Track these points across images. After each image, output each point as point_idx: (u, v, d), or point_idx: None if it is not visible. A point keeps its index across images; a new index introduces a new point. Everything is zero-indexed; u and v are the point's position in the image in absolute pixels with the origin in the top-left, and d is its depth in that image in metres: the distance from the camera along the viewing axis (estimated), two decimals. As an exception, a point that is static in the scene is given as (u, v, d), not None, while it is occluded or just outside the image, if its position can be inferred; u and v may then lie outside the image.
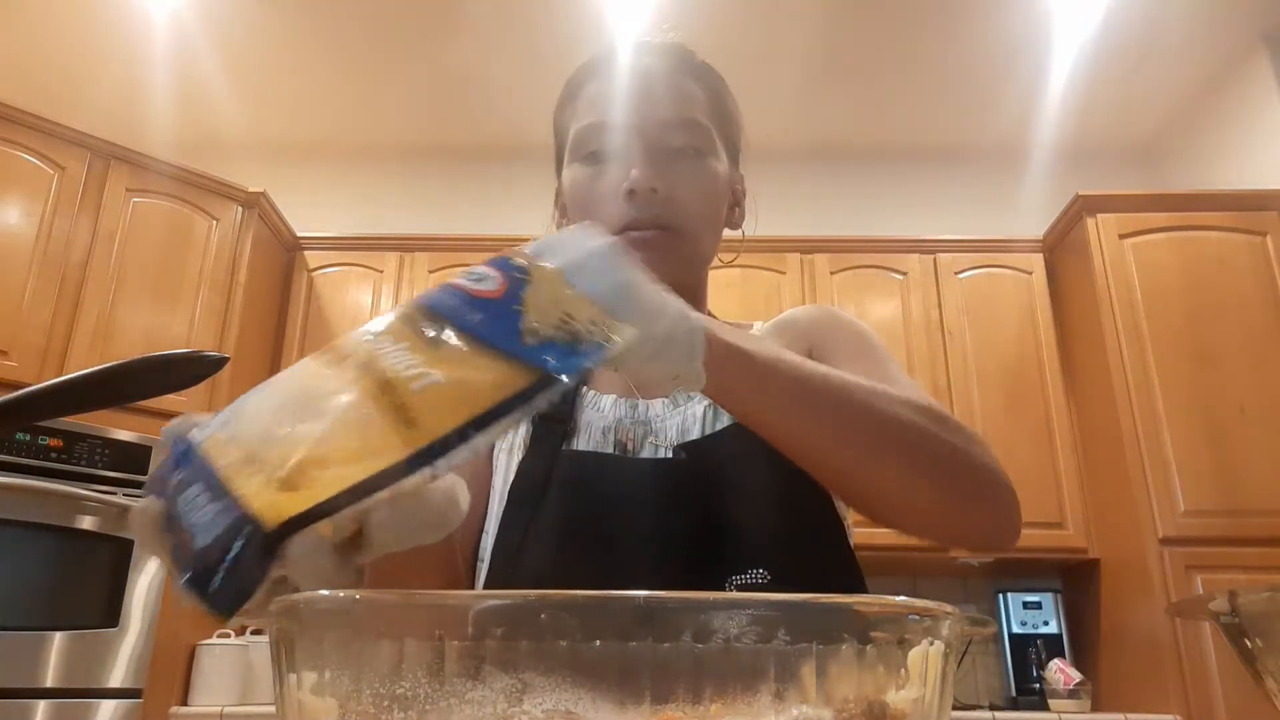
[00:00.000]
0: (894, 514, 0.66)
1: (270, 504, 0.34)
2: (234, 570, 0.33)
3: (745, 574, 0.69)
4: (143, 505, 0.37)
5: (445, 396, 0.38)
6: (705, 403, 0.80)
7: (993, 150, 3.62)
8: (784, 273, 3.17)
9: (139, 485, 2.51)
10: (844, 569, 0.75)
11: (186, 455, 0.39)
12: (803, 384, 0.60)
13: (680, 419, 0.79)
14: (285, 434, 0.37)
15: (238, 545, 0.33)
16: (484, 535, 0.80)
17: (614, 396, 0.82)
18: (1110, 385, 2.80)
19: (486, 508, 0.81)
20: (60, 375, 0.50)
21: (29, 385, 0.49)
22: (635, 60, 0.83)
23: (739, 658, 0.28)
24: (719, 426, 0.78)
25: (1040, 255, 3.20)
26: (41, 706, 2.25)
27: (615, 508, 0.73)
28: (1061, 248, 3.15)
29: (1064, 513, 2.91)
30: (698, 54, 0.86)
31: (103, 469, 2.47)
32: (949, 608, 0.32)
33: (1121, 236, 2.94)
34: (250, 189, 3.01)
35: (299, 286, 3.22)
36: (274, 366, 3.11)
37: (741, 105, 0.89)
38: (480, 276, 0.46)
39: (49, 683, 2.27)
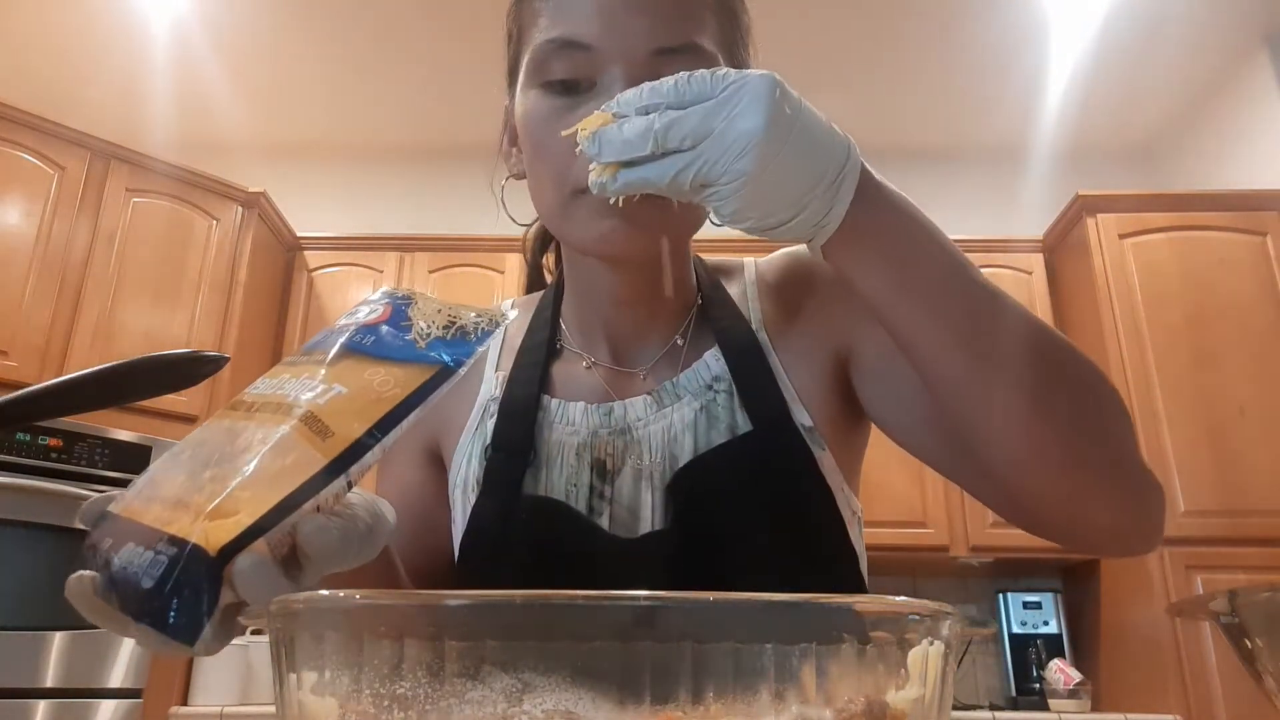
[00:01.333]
0: (1010, 482, 0.55)
1: (206, 533, 0.35)
2: (186, 598, 0.34)
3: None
4: (75, 578, 0.37)
5: (352, 403, 0.41)
6: (695, 406, 0.68)
7: (993, 150, 3.62)
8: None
9: (139, 485, 2.51)
10: (840, 562, 0.69)
11: (109, 524, 0.39)
12: (937, 279, 0.52)
13: (666, 425, 0.68)
14: (208, 476, 0.38)
15: (185, 574, 0.34)
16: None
17: (583, 404, 0.70)
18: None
19: (441, 548, 0.74)
20: (60, 375, 0.50)
21: (29, 385, 0.49)
22: None
23: (739, 658, 0.28)
24: (713, 440, 0.67)
25: (1040, 255, 3.20)
26: (41, 706, 2.25)
27: (588, 572, 0.63)
28: (1061, 248, 3.15)
29: (1064, 513, 2.90)
30: None
31: (103, 469, 2.47)
32: (949, 608, 0.32)
33: (1121, 236, 2.94)
34: (250, 189, 3.01)
35: (299, 286, 3.22)
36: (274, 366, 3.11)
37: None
38: (365, 311, 0.48)
39: (49, 683, 2.27)
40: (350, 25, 3.12)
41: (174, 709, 2.48)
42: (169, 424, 2.61)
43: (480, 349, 0.45)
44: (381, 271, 3.23)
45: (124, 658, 2.39)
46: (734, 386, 0.69)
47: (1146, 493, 0.55)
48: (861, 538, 0.73)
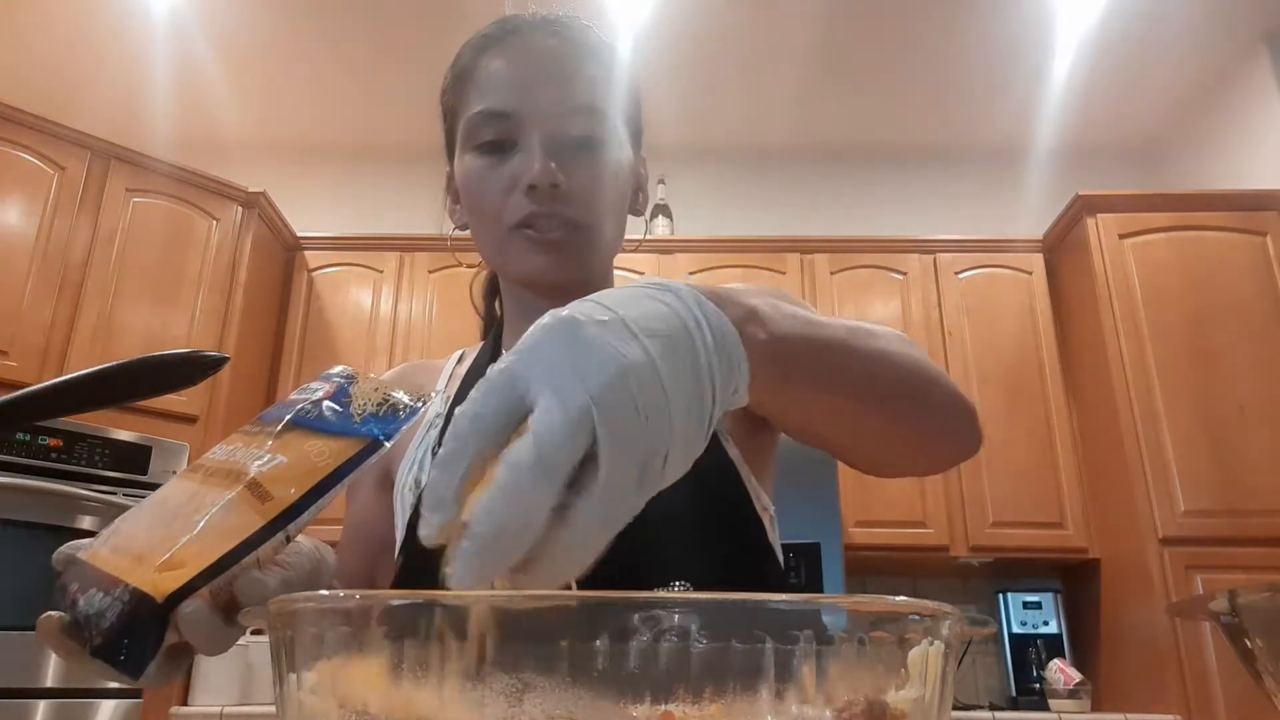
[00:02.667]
0: (875, 456, 0.64)
1: (155, 583, 0.41)
2: (134, 637, 0.41)
3: (668, 587, 0.67)
4: (44, 617, 0.43)
5: (290, 471, 0.46)
6: None
7: (993, 150, 3.62)
8: (784, 273, 3.17)
9: (139, 485, 2.51)
10: (765, 571, 0.73)
11: (78, 570, 0.45)
12: (817, 356, 0.54)
13: None
14: (161, 533, 0.44)
15: (134, 618, 0.40)
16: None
17: None
18: (1110, 385, 2.80)
19: (392, 556, 0.79)
20: (60, 375, 0.50)
21: (29, 385, 0.49)
22: (528, 39, 0.77)
23: (739, 658, 0.28)
24: None
25: (1040, 255, 3.20)
26: (41, 706, 2.25)
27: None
28: (1061, 248, 3.15)
29: (1064, 513, 2.91)
30: (594, 28, 0.81)
31: (103, 469, 2.47)
32: (949, 608, 0.32)
33: (1121, 236, 2.94)
34: (250, 189, 3.01)
35: (299, 286, 3.22)
36: (274, 366, 3.11)
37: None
38: (314, 389, 0.53)
39: (49, 683, 2.27)
40: (350, 25, 3.12)
41: (174, 709, 2.48)
42: (169, 424, 2.61)
43: (407, 425, 0.50)
44: (381, 271, 3.23)
45: (124, 658, 2.39)
46: None
47: (967, 423, 0.64)
48: (777, 539, 0.77)
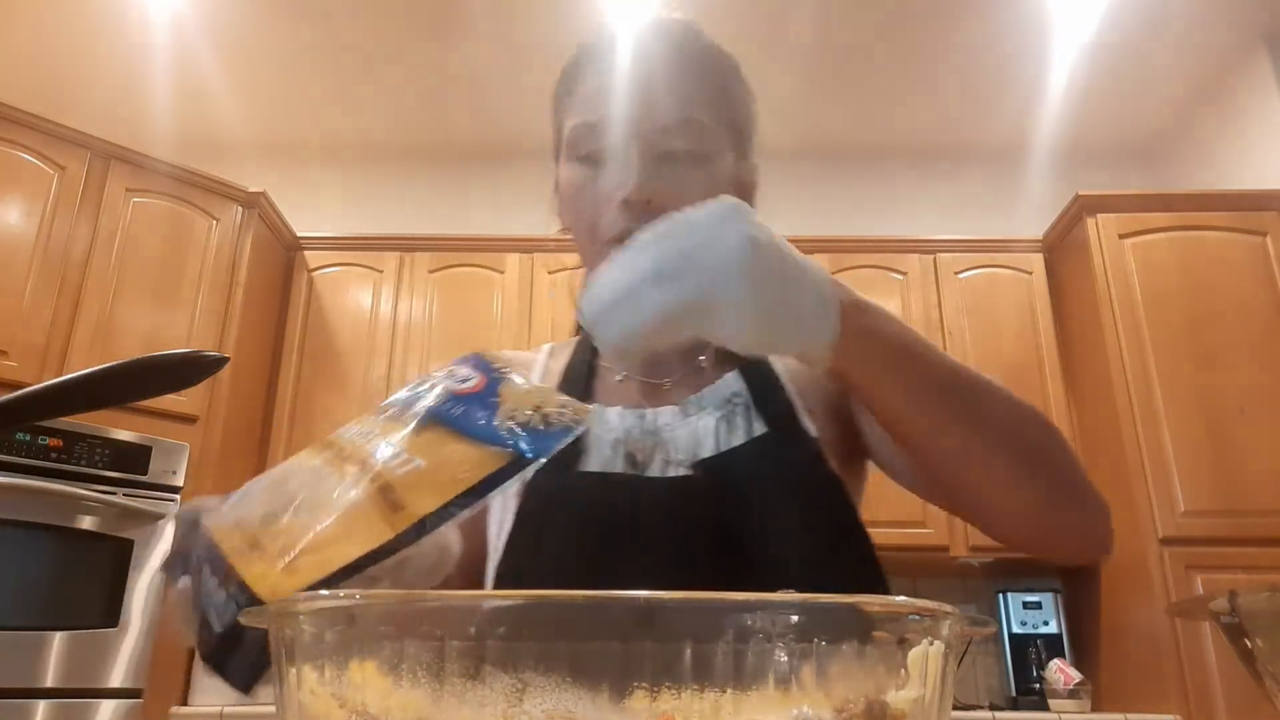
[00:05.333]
0: (990, 513, 0.65)
1: (273, 589, 0.38)
2: (244, 652, 0.39)
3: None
4: (182, 585, 0.42)
5: (427, 479, 0.43)
6: (717, 416, 0.77)
7: (993, 150, 3.62)
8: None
9: (139, 485, 2.51)
10: (874, 588, 0.72)
11: (198, 538, 0.44)
12: (929, 372, 0.60)
13: (691, 430, 0.76)
14: (285, 523, 0.42)
15: (248, 631, 0.37)
16: (489, 556, 0.77)
17: (620, 408, 0.79)
18: (1110, 385, 2.80)
19: (485, 537, 0.79)
20: (60, 375, 0.50)
21: (29, 385, 0.49)
22: (636, 47, 0.78)
23: (739, 658, 0.28)
24: (733, 442, 0.75)
25: (1040, 255, 3.20)
26: (41, 706, 2.25)
27: (629, 531, 0.70)
28: (1061, 248, 3.15)
29: (1064, 513, 2.90)
30: (706, 37, 0.81)
31: (103, 469, 2.47)
32: (949, 608, 0.32)
33: (1121, 236, 2.94)
34: (250, 189, 3.01)
35: (299, 286, 3.22)
36: (274, 366, 3.11)
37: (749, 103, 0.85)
38: (464, 377, 0.51)
39: (49, 683, 2.27)
40: (350, 25, 3.12)
41: (174, 709, 2.48)
42: (169, 424, 2.61)
43: (558, 446, 0.46)
44: (381, 271, 3.23)
45: (124, 658, 2.39)
46: (750, 400, 0.78)
47: (1096, 511, 0.66)
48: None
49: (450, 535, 0.49)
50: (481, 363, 0.52)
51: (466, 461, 0.44)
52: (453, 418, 0.47)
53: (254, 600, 0.38)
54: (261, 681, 0.39)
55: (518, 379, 0.51)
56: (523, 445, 0.45)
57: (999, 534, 0.67)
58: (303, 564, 0.39)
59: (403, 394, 0.51)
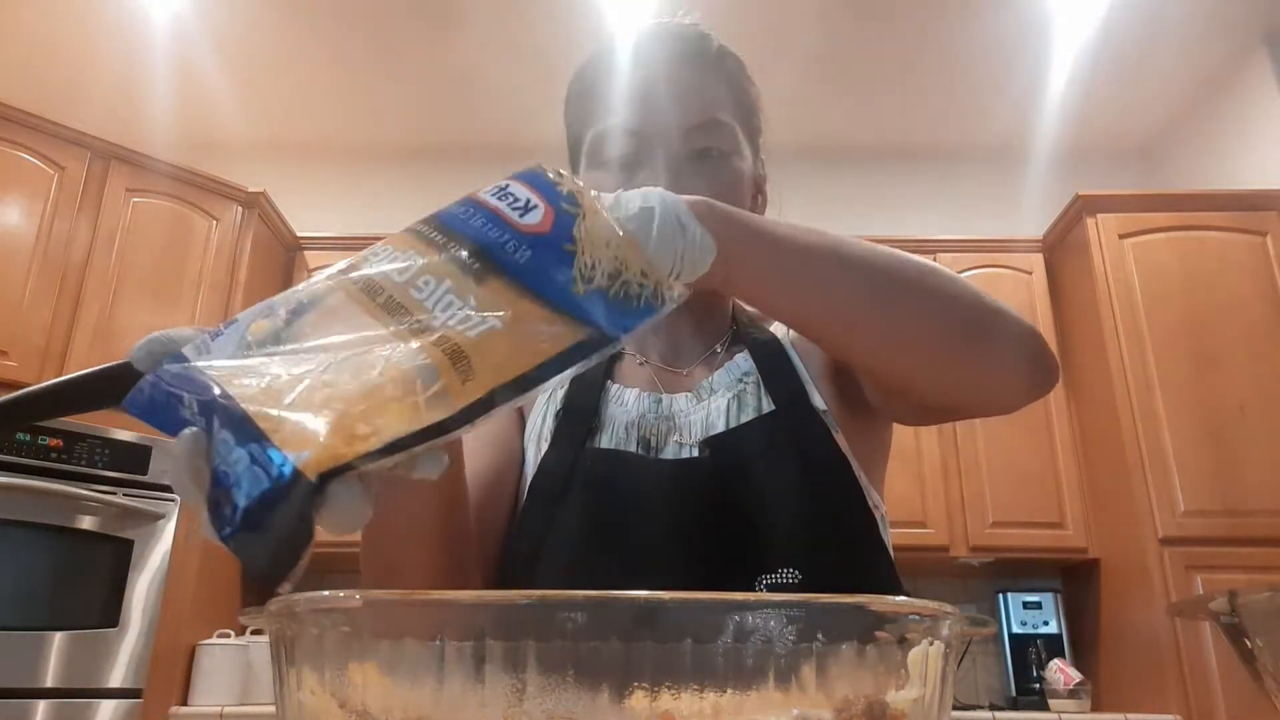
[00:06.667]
0: (909, 367, 0.64)
1: (315, 458, 0.31)
2: (280, 536, 0.31)
3: (775, 574, 0.68)
4: (192, 434, 0.34)
5: (501, 346, 0.36)
6: (729, 396, 0.78)
7: (993, 150, 3.62)
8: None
9: (139, 485, 2.51)
10: (877, 565, 0.73)
11: (193, 379, 0.36)
12: (814, 247, 0.59)
13: (705, 414, 0.78)
14: (327, 378, 0.34)
15: (285, 506, 0.31)
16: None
17: (637, 390, 0.81)
18: (1110, 385, 2.80)
19: (518, 494, 0.80)
20: (60, 375, 0.50)
21: (29, 385, 0.49)
22: (649, 51, 0.79)
23: (739, 658, 0.28)
24: (743, 420, 0.76)
25: (1040, 255, 3.20)
26: (41, 706, 2.25)
27: (639, 510, 0.70)
28: (1061, 248, 3.15)
29: (1064, 513, 2.91)
30: (714, 38, 0.82)
31: (103, 469, 2.47)
32: (949, 608, 0.32)
33: (1121, 236, 2.94)
34: (250, 189, 3.01)
35: (299, 286, 3.22)
36: (274, 366, 3.10)
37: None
38: (524, 205, 0.42)
39: (49, 683, 2.27)
40: (350, 25, 3.12)
41: (174, 709, 2.48)
42: (169, 424, 2.61)
43: (638, 325, 0.39)
44: (381, 271, 3.23)
45: (124, 658, 2.39)
46: (760, 379, 0.79)
47: (1022, 346, 0.64)
48: (888, 536, 0.78)
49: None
50: (544, 182, 0.43)
51: (544, 330, 0.37)
52: (520, 267, 0.39)
53: (288, 471, 0.31)
54: (290, 572, 0.31)
55: (593, 213, 0.42)
56: (603, 320, 0.38)
57: (920, 386, 0.66)
58: (348, 433, 0.32)
59: (454, 209, 0.42)
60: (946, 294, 0.62)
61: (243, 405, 0.33)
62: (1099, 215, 2.97)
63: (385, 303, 0.38)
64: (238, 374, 0.36)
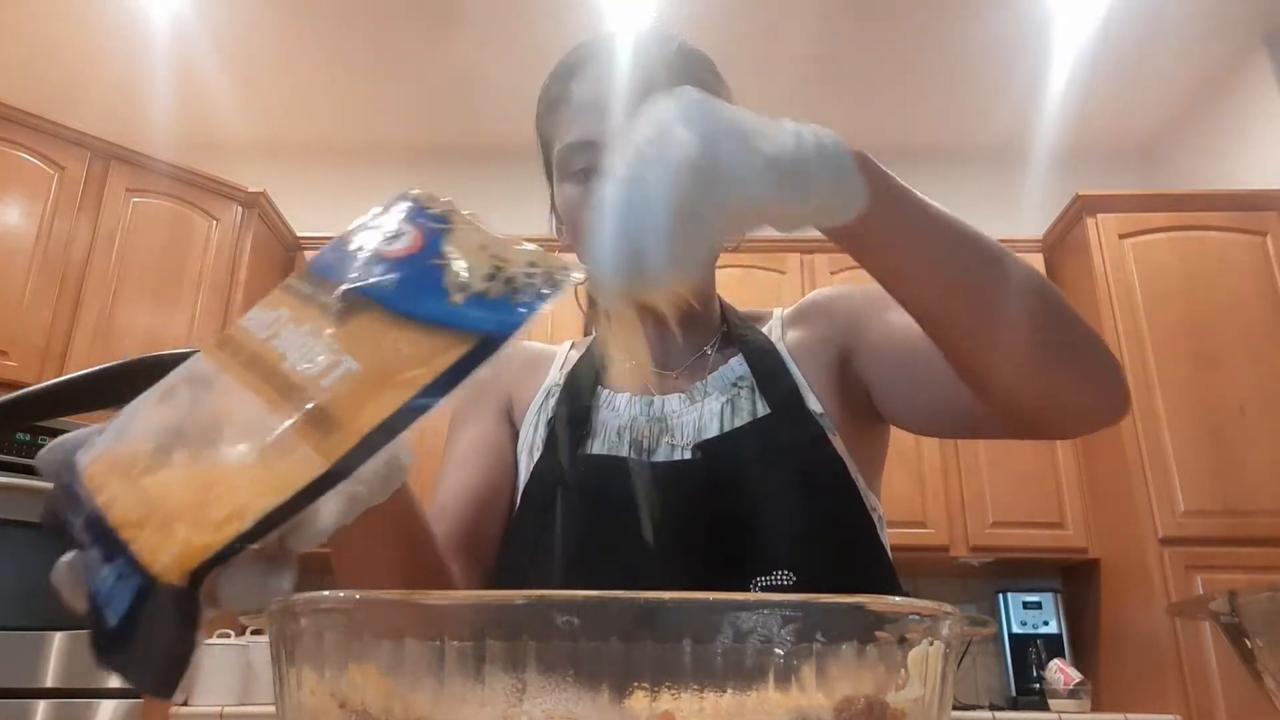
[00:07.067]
0: (1010, 366, 0.61)
1: (175, 562, 0.29)
2: (153, 646, 0.29)
3: (770, 576, 0.68)
4: (68, 561, 0.33)
5: (365, 386, 0.33)
6: (723, 399, 0.78)
7: (993, 150, 3.62)
8: (784, 273, 3.17)
9: (139, 485, 2.51)
10: (874, 567, 0.74)
11: (75, 493, 0.34)
12: (950, 225, 0.56)
13: (697, 416, 0.78)
14: (180, 466, 0.32)
15: (151, 618, 0.29)
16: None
17: (628, 395, 0.81)
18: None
19: (512, 503, 0.81)
20: (60, 375, 0.50)
21: (29, 385, 0.49)
22: (610, 62, 0.79)
23: (739, 658, 0.28)
24: (736, 424, 0.76)
25: (1040, 255, 3.20)
26: (41, 706, 2.25)
27: (633, 513, 0.70)
28: (1061, 248, 3.15)
29: (1064, 513, 2.91)
30: (678, 39, 0.82)
31: (103, 469, 2.47)
32: (949, 608, 0.32)
33: (1121, 236, 2.94)
34: (250, 189, 3.01)
35: (299, 286, 3.22)
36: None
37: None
38: (394, 234, 0.39)
39: (49, 683, 2.27)
40: (350, 25, 3.12)
41: (174, 709, 2.48)
42: (169, 424, 2.61)
43: (531, 318, 0.35)
44: (381, 271, 3.23)
45: (124, 658, 2.39)
46: (755, 382, 0.79)
47: (1111, 372, 0.63)
48: (886, 538, 0.79)
49: (399, 448, 0.43)
50: (414, 208, 0.40)
51: (414, 355, 0.33)
52: (387, 295, 0.36)
53: (150, 580, 0.29)
54: (180, 681, 0.29)
55: (465, 224, 0.40)
56: (484, 322, 0.34)
57: (1017, 421, 0.65)
58: (211, 521, 0.30)
59: (324, 255, 0.39)
60: (1056, 301, 0.61)
61: (107, 514, 0.31)
62: (1099, 215, 2.97)
63: (246, 361, 0.36)
64: (102, 467, 0.34)
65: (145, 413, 0.36)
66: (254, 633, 2.69)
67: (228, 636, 2.64)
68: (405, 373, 0.33)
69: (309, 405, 0.33)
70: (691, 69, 0.81)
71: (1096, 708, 2.74)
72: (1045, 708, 2.70)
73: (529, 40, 3.07)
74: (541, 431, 0.82)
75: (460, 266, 0.37)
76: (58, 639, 2.30)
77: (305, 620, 0.32)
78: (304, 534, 0.34)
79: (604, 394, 0.83)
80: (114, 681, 2.36)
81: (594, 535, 0.71)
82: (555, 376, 0.88)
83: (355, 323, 0.35)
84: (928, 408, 0.73)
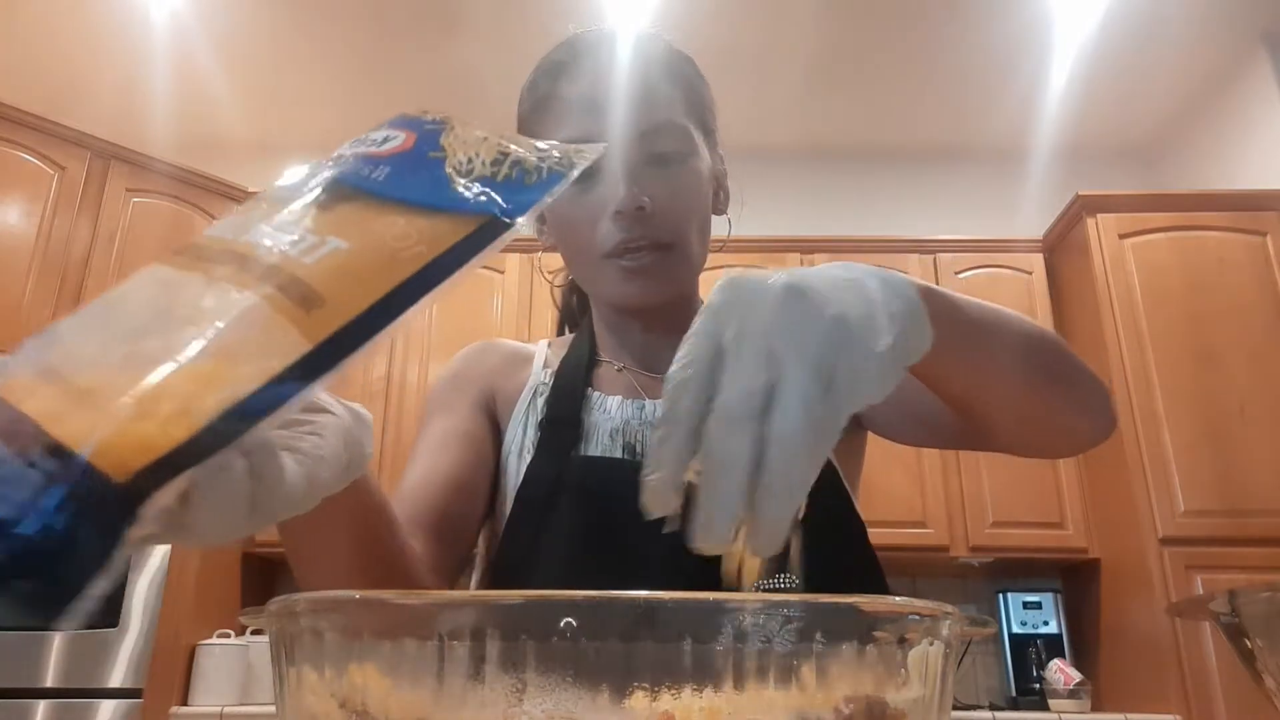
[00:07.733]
0: (1011, 429, 0.64)
1: (113, 444, 0.23)
2: (58, 553, 0.22)
3: (773, 580, 0.68)
4: None
5: (354, 264, 0.28)
6: None
7: (993, 150, 3.62)
8: (784, 273, 3.17)
9: (139, 485, 2.51)
10: (868, 570, 0.74)
11: None
12: (986, 329, 0.57)
13: None
14: (125, 352, 0.26)
15: (65, 512, 0.22)
16: (495, 539, 0.78)
17: (620, 397, 0.81)
18: (1110, 385, 2.80)
19: (496, 506, 0.80)
20: (60, 375, 0.50)
21: (29, 385, 0.49)
22: (597, 60, 0.78)
23: (739, 658, 0.28)
24: None
25: (1040, 255, 3.20)
26: (41, 706, 2.25)
27: (630, 516, 0.69)
28: (1061, 248, 3.15)
29: (1064, 513, 2.91)
30: (663, 38, 0.82)
31: (103, 469, 2.47)
32: (949, 608, 0.32)
33: (1121, 236, 2.94)
34: (250, 189, 3.01)
35: (299, 286, 3.22)
36: (274, 366, 3.11)
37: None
38: (383, 139, 0.35)
39: (49, 683, 2.27)
40: (350, 25, 3.12)
41: (174, 709, 2.48)
42: (169, 424, 2.61)
43: (546, 198, 0.32)
44: (381, 271, 3.23)
45: (124, 658, 2.39)
46: None
47: (1102, 401, 0.66)
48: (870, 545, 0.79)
49: (359, 418, 0.40)
50: (405, 119, 0.36)
51: (412, 234, 0.29)
52: (374, 183, 0.32)
53: (82, 471, 0.22)
54: (79, 606, 0.23)
55: (464, 125, 0.36)
56: (490, 203, 0.30)
57: (1016, 449, 0.68)
58: (166, 400, 0.24)
59: (298, 169, 0.35)
60: (1059, 351, 0.63)
61: (17, 402, 0.25)
62: (1099, 215, 2.97)
63: (211, 257, 0.30)
64: (16, 368, 0.28)
65: (82, 321, 0.30)
66: (254, 633, 2.69)
67: (228, 636, 2.64)
68: (401, 250, 0.29)
69: (285, 282, 0.27)
70: (682, 68, 0.81)
71: (1096, 708, 2.74)
72: (1045, 708, 2.70)
73: (529, 40, 3.07)
74: (532, 433, 0.81)
75: (461, 157, 0.33)
76: (58, 639, 2.30)
77: (305, 620, 0.32)
78: (270, 480, 0.32)
79: (594, 396, 0.82)
80: (114, 682, 2.36)
81: (592, 537, 0.71)
82: (540, 375, 0.87)
83: (339, 210, 0.31)
84: (912, 420, 0.75)
